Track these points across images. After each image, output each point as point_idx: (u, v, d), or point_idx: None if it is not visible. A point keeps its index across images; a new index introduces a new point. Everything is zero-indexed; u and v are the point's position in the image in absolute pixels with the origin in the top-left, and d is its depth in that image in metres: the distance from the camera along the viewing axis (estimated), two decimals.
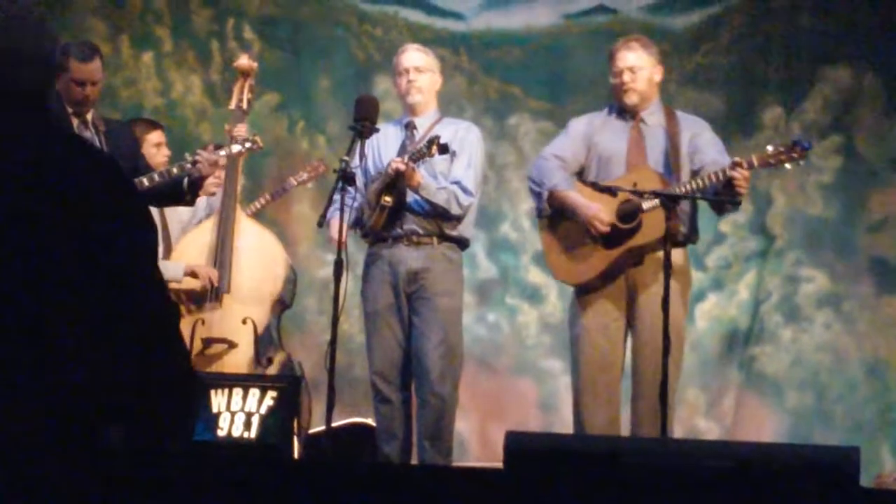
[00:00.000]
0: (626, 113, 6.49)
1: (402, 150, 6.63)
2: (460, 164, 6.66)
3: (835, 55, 8.78)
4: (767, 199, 8.75)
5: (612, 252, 6.31)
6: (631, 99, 6.43)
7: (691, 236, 6.46)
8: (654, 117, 6.45)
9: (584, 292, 6.45)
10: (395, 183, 6.49)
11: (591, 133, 6.54)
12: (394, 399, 6.62)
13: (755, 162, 6.02)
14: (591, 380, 6.36)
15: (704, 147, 6.32)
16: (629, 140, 6.42)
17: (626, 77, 6.41)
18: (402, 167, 6.39)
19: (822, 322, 8.67)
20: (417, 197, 6.54)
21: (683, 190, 6.10)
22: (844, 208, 8.71)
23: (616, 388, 6.39)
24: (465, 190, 6.60)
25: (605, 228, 6.28)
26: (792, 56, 8.85)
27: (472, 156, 6.70)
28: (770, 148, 6.10)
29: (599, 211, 6.28)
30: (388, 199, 6.52)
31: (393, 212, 6.56)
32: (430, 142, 6.34)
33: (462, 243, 6.75)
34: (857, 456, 4.70)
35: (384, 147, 6.74)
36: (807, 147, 6.03)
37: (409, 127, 6.78)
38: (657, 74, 6.49)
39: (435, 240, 6.63)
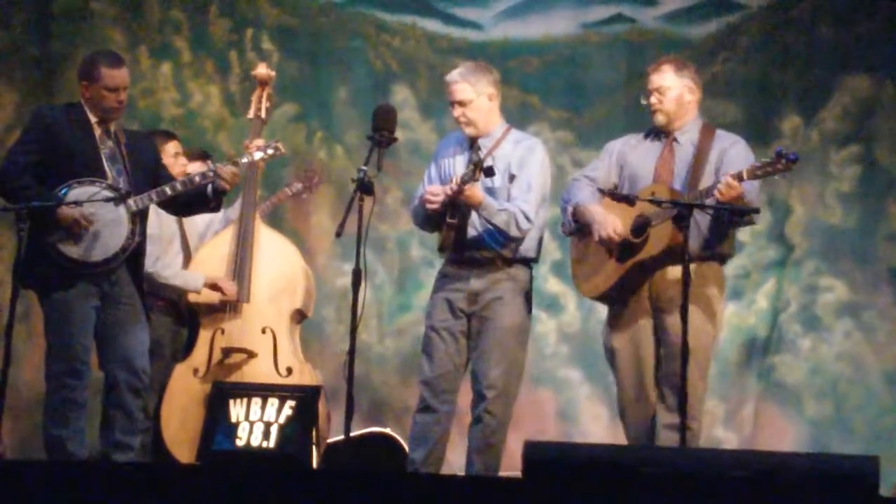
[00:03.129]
0: (661, 133, 6.58)
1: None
2: (520, 188, 6.62)
3: (853, 64, 8.77)
4: (786, 208, 8.74)
5: (623, 266, 6.42)
6: (658, 120, 6.53)
7: (720, 251, 6.45)
8: (686, 136, 6.51)
9: (614, 309, 6.56)
10: (457, 203, 6.50)
11: (625, 152, 6.64)
12: (438, 409, 6.61)
13: (745, 175, 6.05)
14: (630, 395, 6.48)
15: (731, 161, 6.36)
16: (658, 158, 6.50)
17: (654, 99, 6.51)
18: (454, 189, 6.39)
19: (841, 331, 8.65)
20: (480, 218, 6.55)
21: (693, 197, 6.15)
22: (863, 217, 8.69)
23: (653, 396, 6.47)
24: (524, 214, 6.56)
25: (616, 238, 6.36)
26: (810, 65, 8.84)
27: (531, 177, 6.63)
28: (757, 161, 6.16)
29: (611, 223, 6.38)
30: (452, 218, 6.53)
31: (459, 229, 6.56)
32: (475, 165, 6.33)
33: (527, 262, 6.74)
34: (877, 465, 4.69)
35: (453, 163, 6.73)
36: (792, 158, 6.00)
37: (474, 147, 6.74)
38: (689, 93, 6.53)
39: (498, 262, 6.62)
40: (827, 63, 8.81)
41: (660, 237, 6.26)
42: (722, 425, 8.60)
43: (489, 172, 6.32)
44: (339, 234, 6.17)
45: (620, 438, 6.74)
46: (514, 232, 6.54)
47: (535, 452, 4.82)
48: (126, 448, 6.39)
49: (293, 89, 9.00)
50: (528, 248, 6.67)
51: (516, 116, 8.85)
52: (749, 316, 8.73)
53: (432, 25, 9.22)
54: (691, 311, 5.99)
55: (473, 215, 6.56)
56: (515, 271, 6.65)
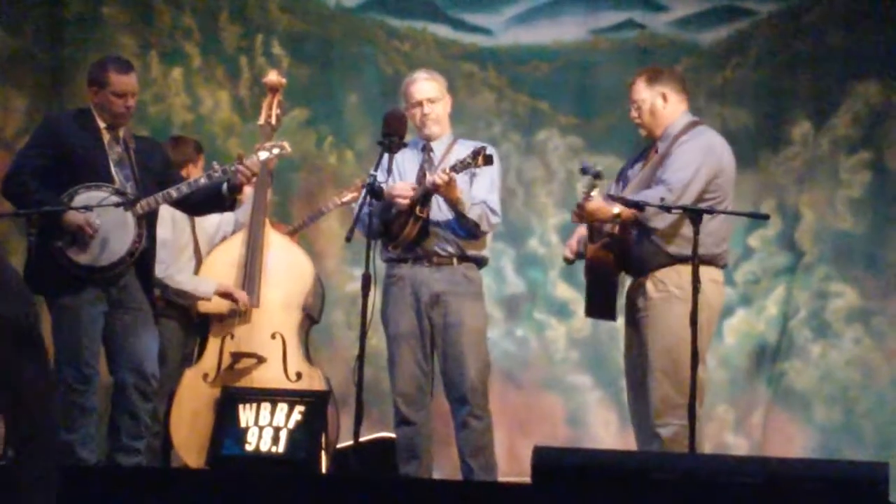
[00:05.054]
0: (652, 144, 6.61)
1: (421, 172, 6.66)
2: (482, 186, 6.66)
3: (864, 70, 8.74)
4: (796, 215, 8.72)
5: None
6: (641, 132, 6.58)
7: (681, 255, 6.34)
8: (664, 144, 6.49)
9: (626, 327, 6.62)
10: (431, 196, 6.51)
11: (625, 171, 6.67)
12: (416, 420, 6.63)
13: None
14: (637, 407, 6.51)
15: (673, 158, 6.36)
16: (641, 170, 6.52)
17: (633, 113, 6.54)
18: (445, 179, 6.39)
19: (851, 337, 8.63)
20: (448, 215, 6.55)
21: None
22: (874, 223, 8.67)
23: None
24: (492, 210, 6.63)
25: (570, 256, 6.61)
26: (821, 71, 8.81)
27: (493, 176, 6.71)
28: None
29: (576, 236, 6.59)
30: (423, 211, 6.54)
31: (426, 224, 6.58)
32: (476, 153, 6.35)
33: (480, 263, 6.77)
34: (886, 471, 4.69)
35: (404, 167, 6.75)
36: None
37: (426, 150, 6.78)
38: (662, 101, 6.47)
39: (455, 260, 6.65)
40: (837, 69, 8.79)
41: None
42: (732, 431, 8.59)
43: (489, 160, 6.35)
44: (348, 239, 6.19)
45: (630, 444, 6.74)
46: (485, 227, 6.61)
47: (545, 458, 4.82)
48: (132, 452, 6.40)
49: (303, 94, 9.00)
50: (485, 248, 6.75)
51: (526, 122, 8.90)
52: (759, 322, 8.72)
53: (442, 31, 9.22)
54: (652, 317, 6.23)
55: (435, 210, 6.58)
56: (472, 273, 6.70)
